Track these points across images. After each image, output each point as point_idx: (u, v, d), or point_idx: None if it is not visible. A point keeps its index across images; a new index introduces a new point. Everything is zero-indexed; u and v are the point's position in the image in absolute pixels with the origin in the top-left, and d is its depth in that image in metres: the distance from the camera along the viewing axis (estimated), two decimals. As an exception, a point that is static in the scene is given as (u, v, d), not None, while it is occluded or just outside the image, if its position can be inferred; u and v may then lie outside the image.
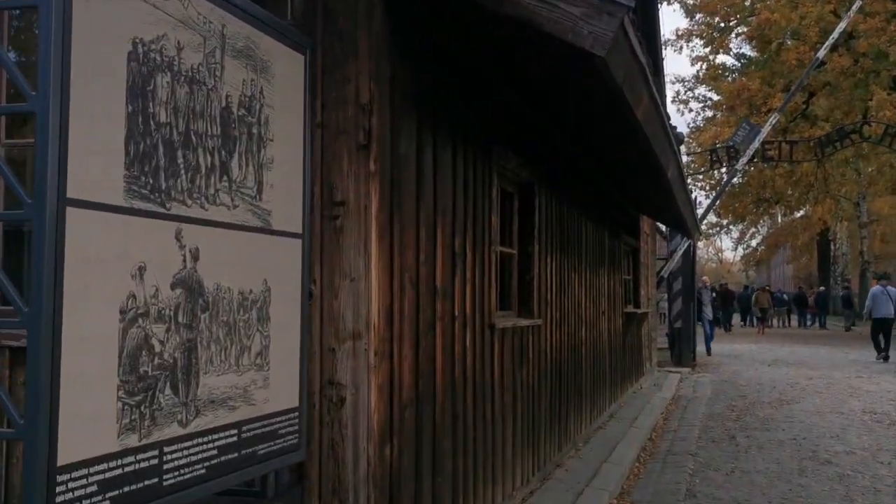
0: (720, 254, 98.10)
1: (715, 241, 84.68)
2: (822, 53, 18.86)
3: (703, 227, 45.28)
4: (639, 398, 12.61)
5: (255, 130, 3.06)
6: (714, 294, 22.36)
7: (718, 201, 34.46)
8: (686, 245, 17.98)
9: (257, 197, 3.08)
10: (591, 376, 9.29)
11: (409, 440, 3.98)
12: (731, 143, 18.96)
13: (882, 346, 21.15)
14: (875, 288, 22.57)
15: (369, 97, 3.60)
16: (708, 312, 22.23)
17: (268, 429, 3.13)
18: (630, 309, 12.92)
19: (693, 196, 20.53)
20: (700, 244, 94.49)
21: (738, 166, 18.95)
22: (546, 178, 7.07)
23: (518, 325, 6.12)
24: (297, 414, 3.37)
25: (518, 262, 6.53)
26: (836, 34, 19.03)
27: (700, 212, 20.47)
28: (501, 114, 5.67)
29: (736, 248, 69.59)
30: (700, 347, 20.89)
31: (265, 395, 3.12)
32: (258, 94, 3.07)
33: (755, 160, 21.40)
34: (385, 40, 3.74)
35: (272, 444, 3.18)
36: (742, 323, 43.07)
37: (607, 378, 10.44)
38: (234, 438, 2.92)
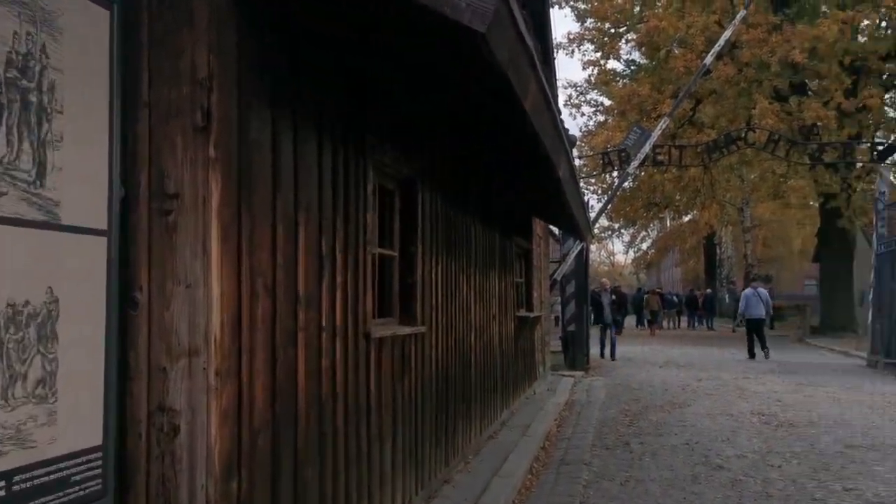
0: (612, 257, 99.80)
1: (607, 244, 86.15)
2: (708, 60, 19.05)
3: (596, 231, 45.89)
4: (532, 404, 12.30)
5: (32, 98, 2.44)
6: (613, 297, 22.15)
7: (611, 204, 34.91)
8: (579, 247, 17.85)
9: (37, 182, 2.46)
10: (482, 384, 8.89)
11: (262, 471, 3.45)
12: (623, 147, 18.96)
13: (756, 345, 22.31)
14: (747, 290, 23.73)
15: (208, 72, 3.06)
16: (608, 315, 21.88)
17: (55, 476, 2.51)
18: (522, 312, 12.62)
19: (586, 199, 20.48)
20: (593, 247, 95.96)
21: (630, 170, 18.95)
22: (431, 175, 6.63)
23: (399, 334, 5.65)
24: (100, 454, 2.75)
25: (399, 264, 6.06)
26: (721, 42, 19.26)
27: (592, 214, 20.43)
28: (377, 102, 5.19)
29: (627, 252, 70.83)
30: (595, 350, 20.85)
31: (50, 433, 2.50)
32: (38, 53, 2.45)
33: (646, 164, 21.51)
34: (230, 7, 3.21)
35: (62, 494, 2.57)
36: (635, 325, 43.79)
37: (499, 385, 10.07)
38: (1, 494, 2.30)
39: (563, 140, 6.41)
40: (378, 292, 5.66)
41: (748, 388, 15.01)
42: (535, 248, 14.66)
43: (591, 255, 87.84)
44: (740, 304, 23.41)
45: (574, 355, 18.16)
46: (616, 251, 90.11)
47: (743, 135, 20.17)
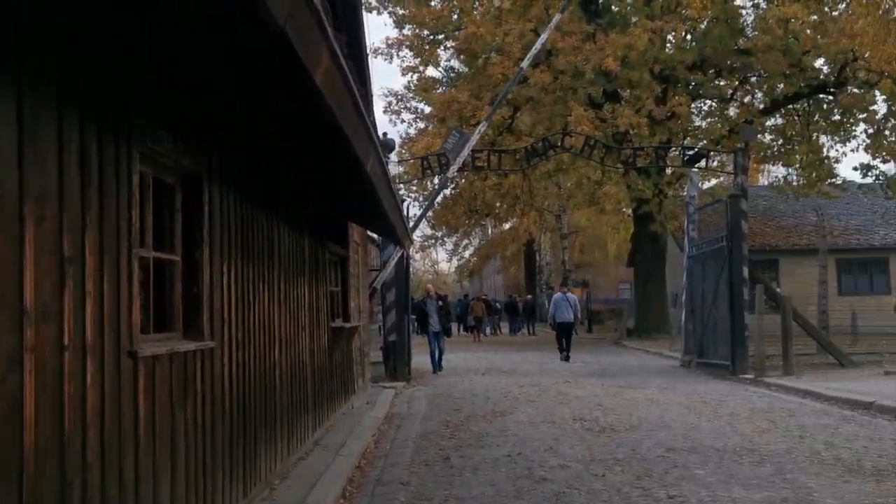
0: (436, 265, 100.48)
1: (431, 252, 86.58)
2: (525, 64, 19.02)
3: (419, 239, 45.83)
4: (349, 419, 11.63)
5: None
6: (440, 303, 21.38)
7: (432, 211, 34.73)
8: (399, 254, 17.34)
9: None
10: (290, 402, 8.14)
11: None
12: (442, 151, 18.61)
13: (564, 347, 23.12)
14: (557, 295, 24.51)
15: None
16: (434, 324, 20.60)
17: None
18: (338, 323, 11.94)
19: (406, 204, 20.01)
20: (417, 256, 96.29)
21: (450, 174, 18.64)
22: (222, 170, 5.86)
23: (178, 351, 4.86)
24: None
25: (183, 271, 5.26)
26: (538, 45, 19.29)
27: (413, 220, 20.00)
28: (144, 79, 4.39)
29: (451, 260, 71.29)
30: (419, 359, 20.40)
31: None
32: None
33: (465, 169, 21.29)
34: None
35: None
36: (461, 332, 44.01)
37: (310, 401, 9.33)
38: None
39: (371, 130, 5.80)
40: (155, 303, 4.86)
41: (569, 393, 14.91)
42: (353, 255, 14.01)
43: (415, 265, 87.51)
44: (550, 309, 24.06)
45: (395, 365, 17.60)
46: (440, 259, 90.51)
47: (560, 140, 20.26)
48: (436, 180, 30.93)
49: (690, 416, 11.80)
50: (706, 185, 31.29)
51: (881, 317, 30.60)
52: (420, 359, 20.77)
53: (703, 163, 22.33)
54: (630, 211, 36.26)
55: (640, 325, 33.82)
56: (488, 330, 42.23)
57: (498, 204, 37.18)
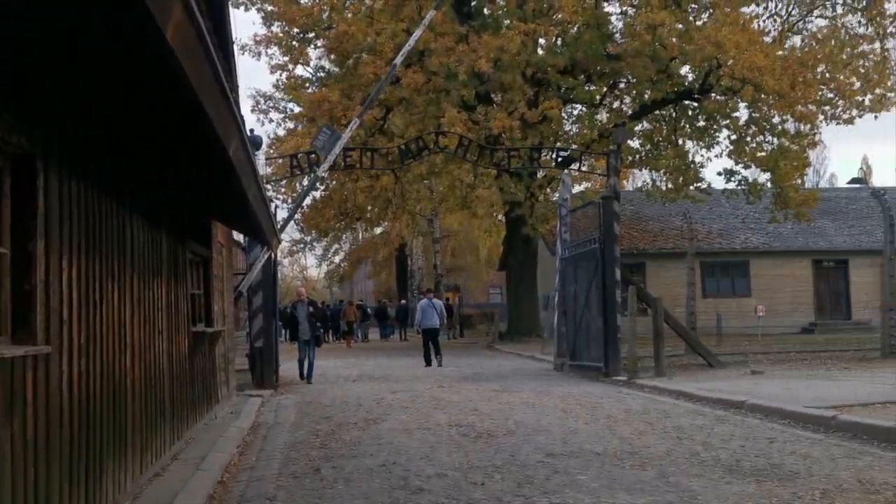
0: (305, 271, 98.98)
1: (300, 257, 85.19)
2: (398, 61, 18.57)
3: (288, 243, 44.71)
4: (212, 431, 10.88)
5: None
6: (311, 309, 19.91)
7: (301, 212, 33.84)
8: (266, 256, 16.59)
9: None
10: (143, 413, 7.40)
11: None
12: (312, 148, 17.93)
13: (429, 354, 22.81)
14: (423, 301, 24.53)
15: None
16: (305, 331, 19.02)
17: None
18: (200, 327, 11.18)
19: (274, 206, 19.27)
20: (285, 261, 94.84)
21: (320, 172, 17.98)
22: (63, 152, 5.16)
23: (3, 357, 4.15)
24: None
25: (12, 265, 4.55)
26: (412, 42, 18.89)
27: (282, 222, 19.24)
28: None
29: (321, 265, 70.20)
30: (288, 365, 19.64)
31: None
32: None
33: (337, 168, 20.68)
34: None
35: None
36: (334, 338, 43.46)
37: (168, 412, 8.59)
38: None
39: (234, 108, 5.20)
40: (-25, 301, 4.15)
41: (444, 398, 14.52)
42: (217, 257, 13.24)
43: (284, 270, 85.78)
44: (416, 315, 24.00)
45: (262, 373, 16.80)
46: (309, 265, 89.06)
47: (434, 140, 19.88)
48: (305, 181, 30.25)
49: (568, 419, 11.57)
50: (576, 188, 31.63)
51: (742, 318, 31.64)
52: (289, 365, 20.02)
53: (575, 165, 22.39)
54: (502, 215, 36.38)
55: (513, 329, 33.92)
56: (360, 335, 41.67)
57: (370, 207, 36.59)
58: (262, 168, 19.04)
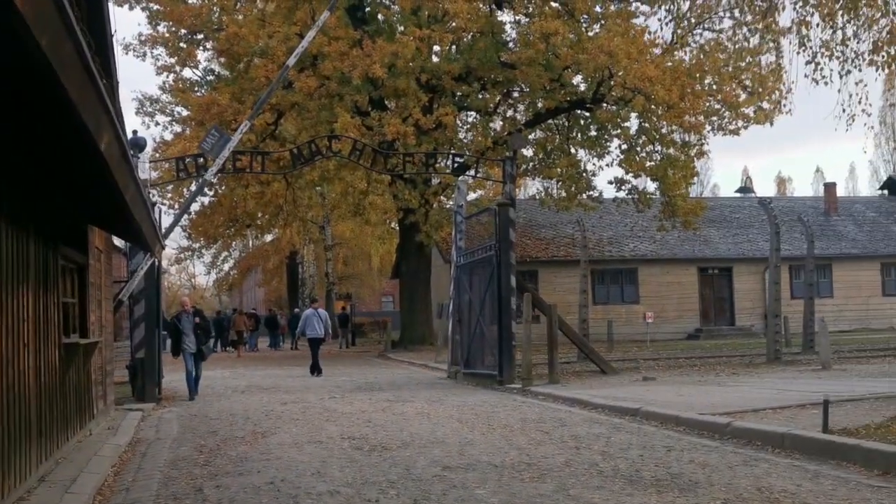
0: (193, 279, 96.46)
1: (188, 266, 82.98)
2: (291, 61, 18.02)
3: (173, 251, 43.26)
4: (85, 449, 10.17)
5: None
6: (197, 319, 17.63)
7: (189, 216, 32.78)
8: (149, 263, 15.81)
9: None
10: (5, 434, 6.75)
11: None
12: (200, 150, 17.21)
13: (314, 362, 22.85)
14: (308, 311, 24.73)
15: None
16: (190, 344, 17.20)
17: None
18: (73, 339, 10.46)
19: (158, 210, 18.46)
20: (172, 269, 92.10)
21: (208, 176, 17.28)
22: None
23: None
24: None
25: None
26: (305, 42, 18.40)
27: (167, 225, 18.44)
28: None
29: (209, 273, 68.33)
30: (171, 377, 18.79)
31: None
32: None
33: (226, 172, 20.00)
34: None
35: None
36: (223, 348, 42.48)
37: (35, 430, 7.91)
38: None
39: (104, 97, 4.71)
40: None
41: (336, 410, 14.06)
42: (95, 263, 12.47)
43: (171, 278, 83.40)
44: (300, 325, 24.18)
45: (144, 385, 15.96)
46: (198, 273, 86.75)
47: (328, 143, 19.36)
48: (193, 187, 29.24)
49: (464, 429, 11.28)
50: (471, 196, 31.55)
51: (632, 324, 32.19)
52: (173, 377, 19.17)
53: (471, 172, 22.15)
54: (396, 222, 36.04)
55: (406, 337, 33.60)
56: (250, 345, 40.70)
57: (260, 214, 35.72)
58: (147, 172, 18.18)
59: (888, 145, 67.73)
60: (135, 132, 17.14)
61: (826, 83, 11.69)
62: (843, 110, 11.57)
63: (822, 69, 11.61)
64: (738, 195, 34.68)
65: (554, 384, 16.40)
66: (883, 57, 11.39)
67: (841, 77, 11.52)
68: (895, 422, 9.34)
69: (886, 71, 11.81)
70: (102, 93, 4.62)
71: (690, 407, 11.87)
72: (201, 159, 17.48)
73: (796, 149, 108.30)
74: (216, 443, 10.79)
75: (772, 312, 20.05)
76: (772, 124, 27.03)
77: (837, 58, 11.59)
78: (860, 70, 11.60)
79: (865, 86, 11.66)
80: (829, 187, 42.19)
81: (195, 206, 33.34)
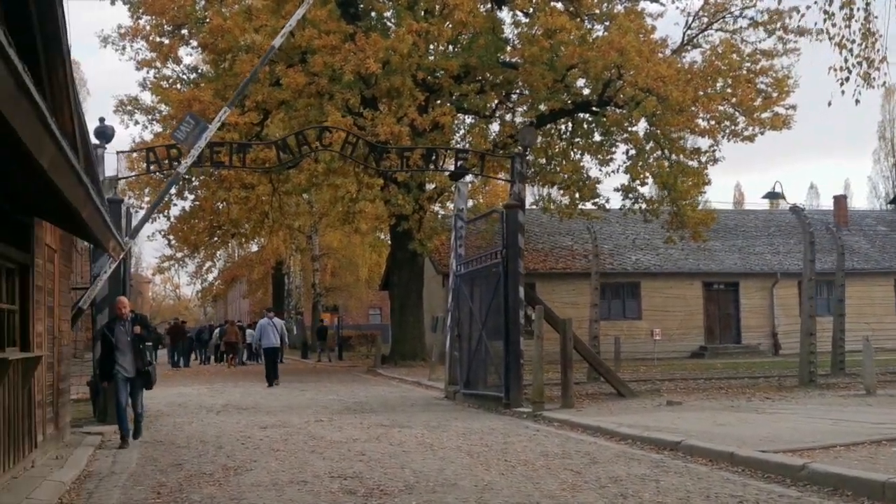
0: (178, 290, 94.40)
1: (172, 277, 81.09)
2: (277, 42, 16.22)
3: (156, 260, 41.26)
4: (22, 486, 8.35)
5: None
6: (139, 329, 13.66)
7: (169, 221, 30.93)
8: (114, 266, 13.99)
9: None
10: None
11: None
12: (173, 139, 15.38)
13: (271, 373, 23.16)
14: (262, 320, 24.65)
15: None
16: (126, 364, 11.98)
17: None
18: (14, 354, 8.64)
19: (125, 209, 16.68)
20: (157, 279, 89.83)
21: (181, 169, 15.43)
22: None
23: None
24: None
25: None
26: (292, 22, 16.65)
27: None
28: None
29: (193, 283, 66.22)
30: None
31: None
32: None
33: (204, 164, 18.21)
34: None
35: None
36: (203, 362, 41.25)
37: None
38: None
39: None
40: None
41: (323, 437, 12.22)
42: (44, 264, 10.64)
43: (156, 289, 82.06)
44: (255, 334, 24.44)
45: (105, 404, 14.01)
46: (183, 283, 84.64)
47: (318, 135, 17.49)
48: (172, 194, 27.39)
49: (477, 466, 9.45)
50: (468, 203, 29.73)
51: (634, 341, 30.44)
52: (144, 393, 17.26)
53: (476, 170, 20.17)
54: (386, 232, 34.22)
55: (396, 352, 31.74)
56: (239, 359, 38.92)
57: (245, 221, 33.83)
58: (117, 168, 16.34)
59: (887, 161, 66.48)
60: (102, 119, 15.36)
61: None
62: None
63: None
64: (732, 208, 32.94)
65: (568, 409, 14.63)
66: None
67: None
68: None
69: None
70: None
71: (740, 441, 10.10)
72: (174, 150, 15.67)
73: (787, 165, 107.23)
74: (179, 481, 8.94)
75: (806, 331, 18.25)
76: (790, 128, 25.46)
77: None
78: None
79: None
80: (840, 200, 40.37)
81: (175, 211, 31.56)
